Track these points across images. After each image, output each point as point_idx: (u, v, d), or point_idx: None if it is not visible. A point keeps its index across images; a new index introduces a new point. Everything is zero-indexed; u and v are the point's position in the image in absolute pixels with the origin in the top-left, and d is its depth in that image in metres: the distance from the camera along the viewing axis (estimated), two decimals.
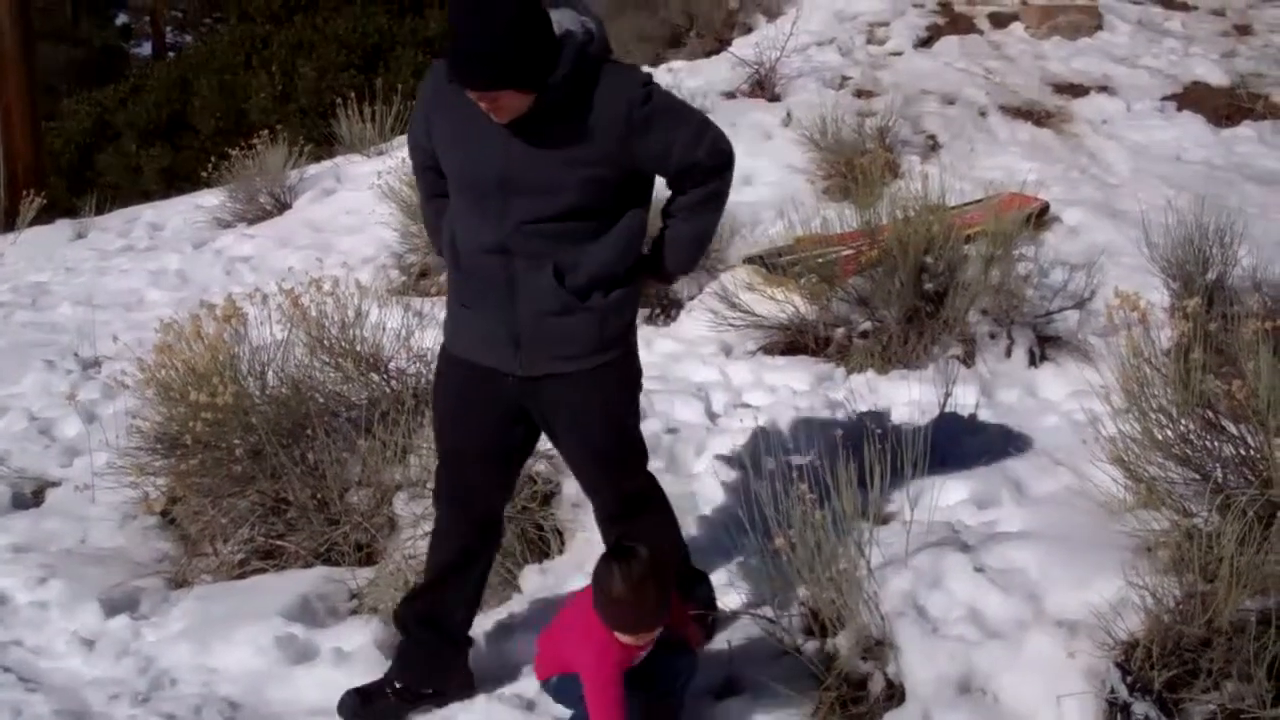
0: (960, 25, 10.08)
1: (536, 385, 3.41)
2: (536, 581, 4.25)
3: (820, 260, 6.23)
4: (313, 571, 4.47)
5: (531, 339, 3.36)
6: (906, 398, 5.25)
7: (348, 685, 3.75)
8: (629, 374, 3.55)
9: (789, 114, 8.69)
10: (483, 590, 3.78)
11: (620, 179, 3.30)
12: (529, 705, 3.60)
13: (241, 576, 4.63)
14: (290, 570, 4.56)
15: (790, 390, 5.56)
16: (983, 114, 8.59)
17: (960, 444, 4.71)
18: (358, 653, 3.96)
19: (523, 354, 3.37)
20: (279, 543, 4.71)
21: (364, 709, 3.61)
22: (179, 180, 14.23)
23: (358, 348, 4.98)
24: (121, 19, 37.40)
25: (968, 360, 5.70)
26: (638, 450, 3.65)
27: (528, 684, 3.67)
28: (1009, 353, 5.71)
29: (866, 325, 5.98)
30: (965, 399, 5.14)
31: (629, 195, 3.36)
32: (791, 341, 6.15)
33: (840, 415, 5.04)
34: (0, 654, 4.17)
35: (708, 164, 3.36)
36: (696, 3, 11.24)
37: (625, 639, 3.20)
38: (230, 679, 3.89)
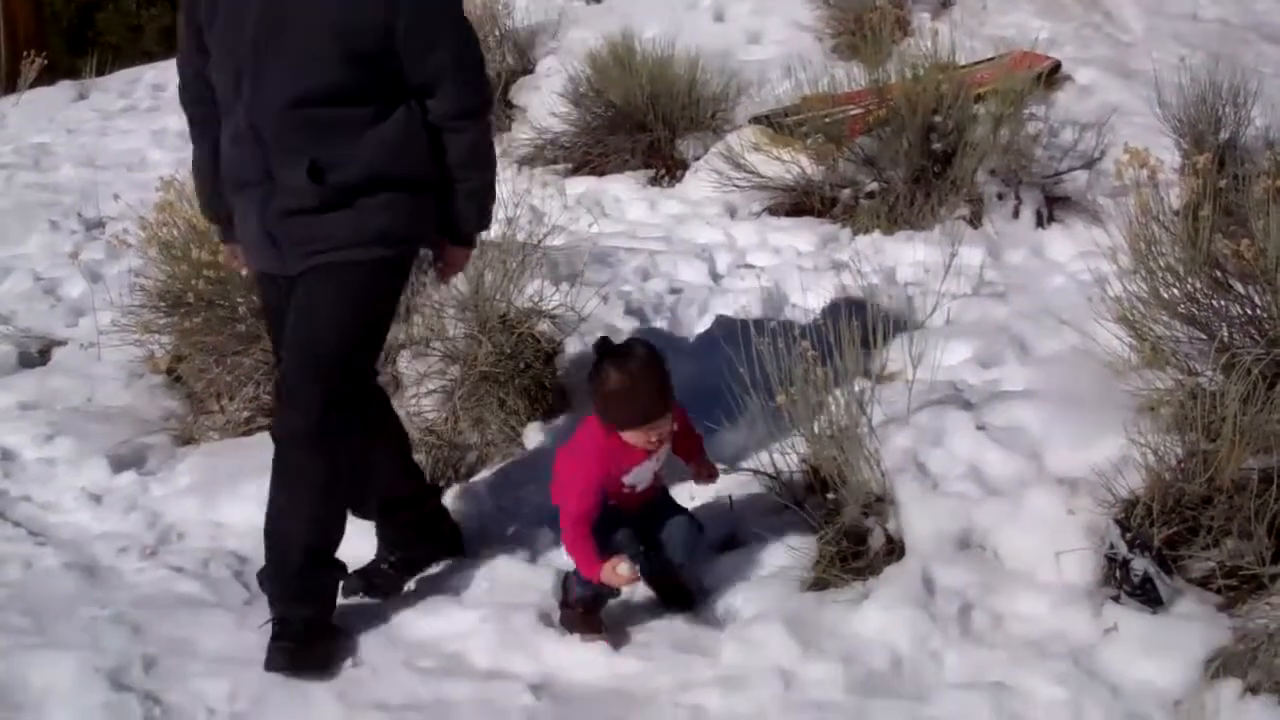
0: None
1: (298, 283, 3.29)
2: (538, 438, 4.27)
3: (827, 120, 6.15)
4: None
5: (285, 236, 3.23)
6: (912, 258, 5.23)
7: (358, 537, 3.79)
8: (381, 286, 3.33)
9: None
10: (409, 458, 3.75)
11: (385, 59, 3.16)
12: (531, 557, 3.64)
13: (248, 434, 4.67)
14: None
15: (795, 251, 5.53)
16: None
17: (965, 304, 4.69)
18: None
19: (283, 253, 3.26)
20: None
21: (370, 588, 3.58)
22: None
23: None
24: None
25: (975, 221, 5.65)
26: (351, 362, 3.32)
27: (531, 535, 3.72)
28: (1017, 213, 5.65)
29: (873, 186, 5.92)
30: (971, 259, 5.11)
31: (399, 84, 3.21)
32: (797, 203, 6.10)
33: (845, 276, 5.01)
34: (9, 508, 4.23)
35: (456, 94, 3.25)
36: None
37: (633, 438, 3.18)
38: (237, 533, 3.94)
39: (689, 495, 3.64)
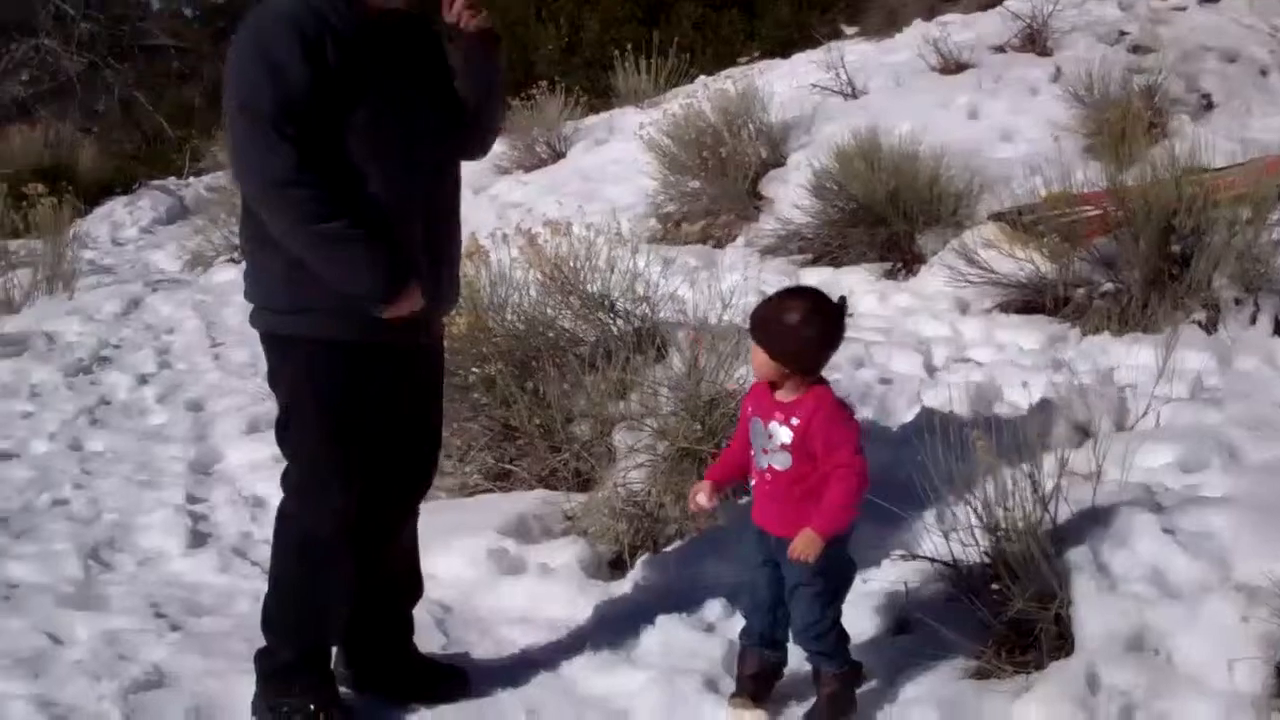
0: None
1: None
2: (732, 514, 4.41)
3: (1065, 219, 6.13)
4: (532, 493, 4.78)
5: None
6: (1135, 361, 5.15)
7: (549, 597, 4.04)
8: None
9: (1057, 69, 8.50)
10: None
11: None
12: (706, 627, 3.80)
13: (471, 495, 4.98)
14: (515, 492, 4.88)
15: (1018, 348, 5.54)
16: (1263, 73, 8.21)
17: (1179, 408, 4.61)
18: (562, 569, 4.24)
19: None
20: (509, 467, 5.03)
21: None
22: None
23: (588, 288, 5.24)
24: None
25: (1210, 327, 5.53)
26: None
27: (707, 605, 3.89)
28: (1254, 320, 5.51)
29: (1108, 287, 5.87)
30: (1201, 364, 5.03)
31: None
32: (1029, 301, 6.10)
33: (1060, 375, 4.99)
34: (251, 550, 4.70)
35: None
36: None
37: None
38: (444, 584, 4.22)
39: (861, 579, 3.71)
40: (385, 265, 3.20)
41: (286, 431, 3.46)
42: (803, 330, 3.17)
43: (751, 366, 3.34)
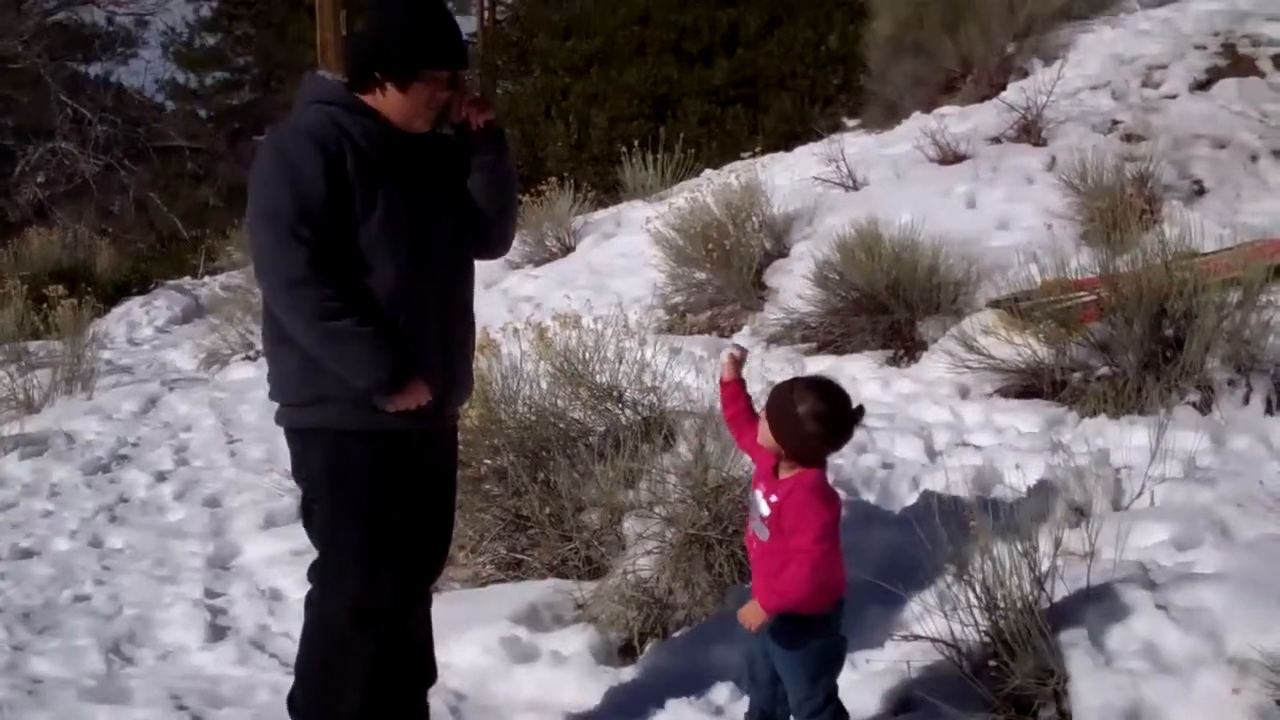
0: (1241, 67, 9.80)
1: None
2: (739, 600, 4.52)
3: (1060, 305, 6.28)
4: (544, 582, 4.89)
5: None
6: (1132, 442, 5.27)
7: (561, 684, 4.14)
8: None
9: (1052, 158, 8.70)
10: None
11: None
12: (714, 710, 3.89)
13: (484, 585, 5.09)
14: (526, 580, 4.99)
15: (1017, 431, 5.65)
16: (1254, 158, 8.38)
17: (1173, 487, 4.72)
18: (573, 657, 4.35)
19: None
20: (521, 556, 5.15)
21: None
22: None
23: (596, 379, 5.39)
24: None
25: (1204, 407, 5.64)
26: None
27: (715, 688, 3.98)
28: (1247, 400, 5.62)
29: (1104, 370, 6.00)
30: (1195, 444, 5.13)
31: None
32: (1028, 385, 6.21)
33: (1058, 458, 5.11)
34: (269, 642, 4.82)
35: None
36: (972, 49, 11.29)
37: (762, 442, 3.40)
38: (459, 673, 4.34)
39: (864, 659, 3.81)
40: (390, 362, 3.37)
41: (310, 520, 3.62)
42: (809, 424, 3.31)
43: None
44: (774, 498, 3.35)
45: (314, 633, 3.64)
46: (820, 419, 3.31)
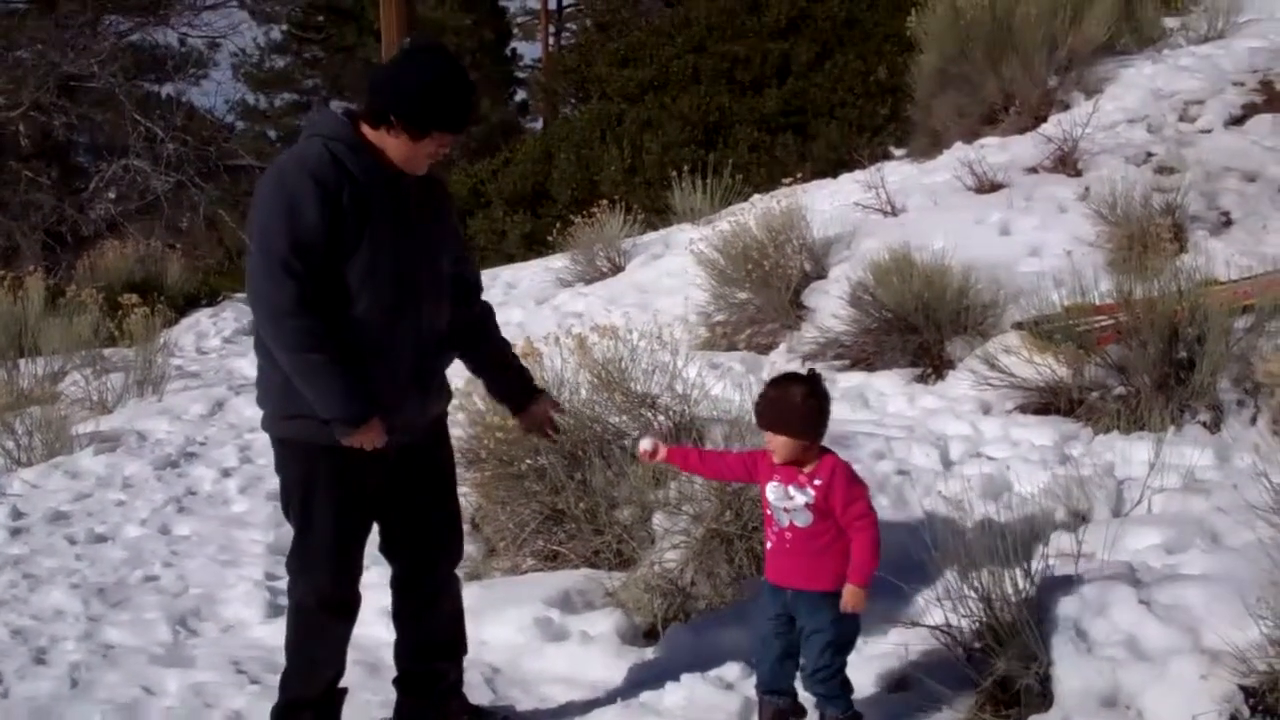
0: (1276, 104, 10.03)
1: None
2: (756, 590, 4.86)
3: (1080, 329, 6.57)
4: (577, 572, 5.25)
5: None
6: (1139, 457, 5.55)
7: (588, 661, 4.49)
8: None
9: (1086, 189, 8.97)
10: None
11: None
12: (725, 685, 4.23)
13: (524, 574, 5.46)
14: (562, 570, 5.36)
15: (1030, 445, 5.95)
16: None
17: (1170, 497, 5.01)
18: (601, 637, 4.71)
19: None
20: (557, 549, 5.51)
21: None
22: (537, 245, 15.59)
23: (632, 386, 5.74)
24: (520, 96, 40.78)
25: (1214, 426, 5.92)
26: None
27: (729, 667, 4.31)
28: (1254, 420, 5.89)
29: (1119, 390, 6.28)
30: (1198, 460, 5.41)
31: None
32: (1047, 403, 6.51)
33: (1066, 469, 5.40)
34: None
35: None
36: (1015, 82, 11.56)
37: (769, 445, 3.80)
38: (495, 649, 4.72)
39: (867, 644, 4.14)
40: (352, 401, 3.71)
41: (288, 514, 4.03)
42: (810, 403, 3.77)
43: (774, 454, 3.84)
44: (817, 481, 3.77)
45: (290, 615, 4.12)
46: (812, 395, 3.77)
